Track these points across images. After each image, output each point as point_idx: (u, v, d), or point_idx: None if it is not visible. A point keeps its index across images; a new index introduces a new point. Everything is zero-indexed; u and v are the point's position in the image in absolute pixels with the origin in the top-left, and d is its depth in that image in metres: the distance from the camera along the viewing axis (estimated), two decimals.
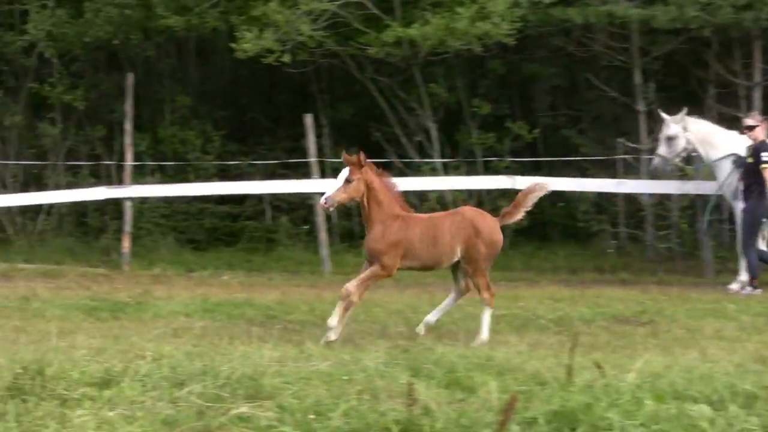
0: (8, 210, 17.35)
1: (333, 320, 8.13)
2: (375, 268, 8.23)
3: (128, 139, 15.56)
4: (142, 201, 16.86)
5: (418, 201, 15.22)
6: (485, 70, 17.61)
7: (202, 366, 6.87)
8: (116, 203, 16.65)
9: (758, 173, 12.13)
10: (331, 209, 8.61)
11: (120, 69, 18.34)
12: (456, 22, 14.95)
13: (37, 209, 17.49)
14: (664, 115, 13.27)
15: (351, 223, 16.53)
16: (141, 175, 17.07)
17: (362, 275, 8.31)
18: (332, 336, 8.04)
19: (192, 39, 18.80)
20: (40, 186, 17.67)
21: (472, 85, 17.74)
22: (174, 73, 19.30)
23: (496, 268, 9.76)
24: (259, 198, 17.60)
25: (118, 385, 6.41)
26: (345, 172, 8.21)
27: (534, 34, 16.61)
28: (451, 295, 8.80)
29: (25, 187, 17.65)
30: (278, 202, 17.65)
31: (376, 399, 5.71)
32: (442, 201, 15.56)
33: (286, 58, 15.42)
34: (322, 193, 8.51)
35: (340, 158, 8.72)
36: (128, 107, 15.57)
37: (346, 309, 8.21)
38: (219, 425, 5.54)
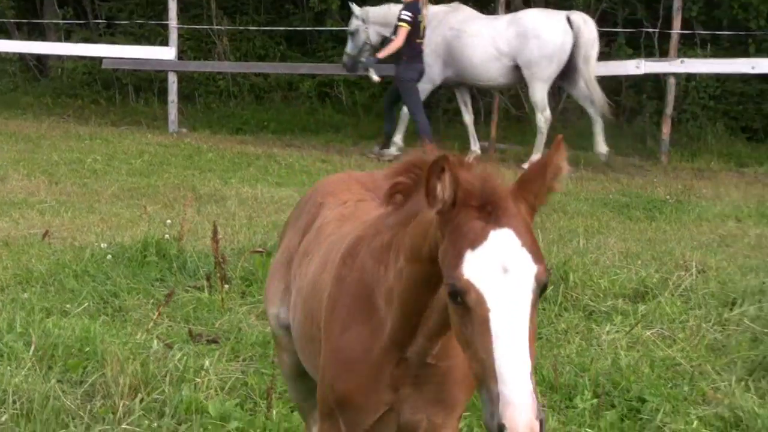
0: None
1: None
2: None
3: (677, 2, 15.34)
4: (689, 78, 16.69)
5: None
6: None
7: (758, 283, 6.80)
8: (656, 80, 16.69)
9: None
10: None
11: None
12: None
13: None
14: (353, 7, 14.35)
15: None
16: (689, 47, 16.84)
17: None
18: None
19: None
20: None
21: None
22: None
23: None
24: None
25: (654, 300, 6.53)
26: None
27: None
28: None
29: None
30: None
31: None
32: None
33: None
34: None
35: None
36: None
37: None
38: None
